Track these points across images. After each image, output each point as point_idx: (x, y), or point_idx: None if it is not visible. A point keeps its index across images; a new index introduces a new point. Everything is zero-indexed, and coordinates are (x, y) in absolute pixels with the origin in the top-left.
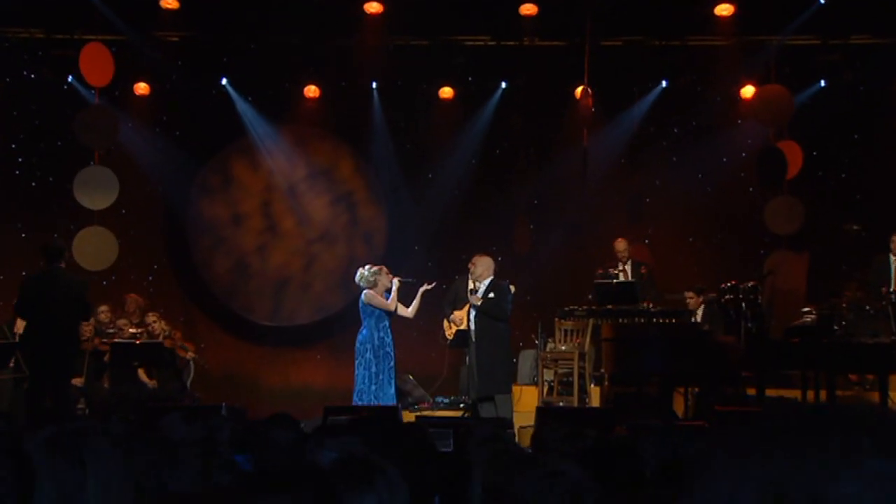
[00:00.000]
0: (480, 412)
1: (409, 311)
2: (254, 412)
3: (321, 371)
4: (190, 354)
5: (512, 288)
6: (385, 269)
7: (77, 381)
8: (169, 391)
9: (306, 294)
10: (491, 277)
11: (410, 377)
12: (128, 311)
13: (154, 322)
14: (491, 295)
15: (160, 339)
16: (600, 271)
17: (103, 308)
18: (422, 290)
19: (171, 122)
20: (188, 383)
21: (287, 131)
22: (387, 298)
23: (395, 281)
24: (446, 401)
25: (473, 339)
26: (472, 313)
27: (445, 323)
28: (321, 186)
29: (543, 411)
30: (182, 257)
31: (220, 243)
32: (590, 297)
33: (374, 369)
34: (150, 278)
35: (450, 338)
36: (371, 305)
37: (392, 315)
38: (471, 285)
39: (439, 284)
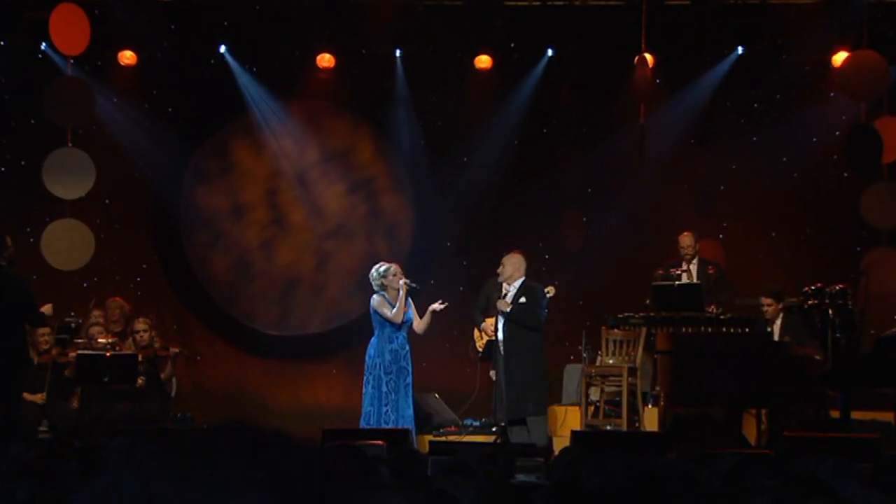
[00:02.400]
0: (511, 437)
1: (418, 326)
2: None
3: (337, 388)
4: (174, 350)
5: (550, 291)
6: (396, 268)
7: (37, 399)
8: (148, 411)
9: (319, 298)
10: (522, 279)
11: (436, 396)
12: (110, 319)
13: (143, 331)
14: (522, 300)
15: (143, 348)
16: (660, 271)
17: (97, 314)
18: (432, 308)
19: (161, 96)
20: (171, 400)
21: (296, 108)
22: (393, 305)
23: (401, 284)
24: (476, 424)
25: (502, 352)
26: (501, 322)
27: (476, 332)
28: (336, 172)
29: (581, 437)
30: (174, 255)
31: (219, 239)
32: (647, 302)
33: (384, 388)
34: (138, 279)
35: (480, 349)
36: (377, 313)
37: (404, 325)
38: (504, 289)
39: (475, 287)
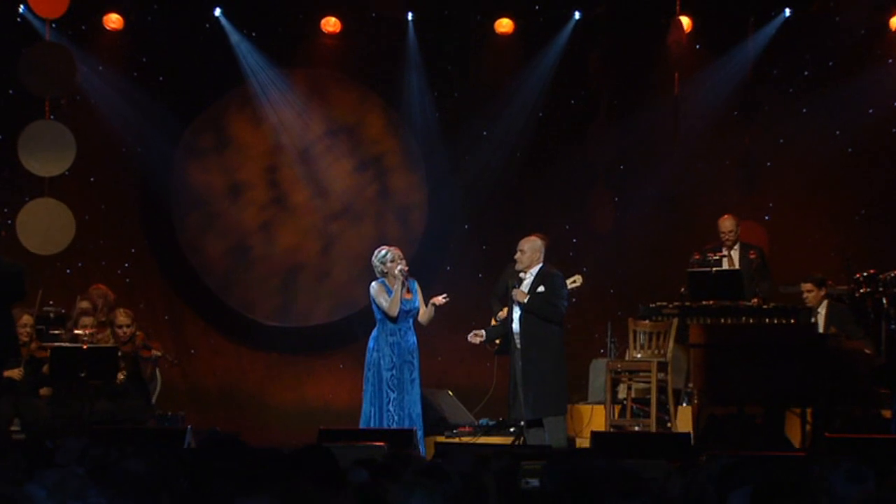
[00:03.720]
0: (528, 439)
1: (422, 317)
2: (257, 437)
3: (344, 385)
4: (155, 352)
5: (576, 281)
6: (396, 252)
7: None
8: (129, 410)
9: (324, 286)
10: (540, 265)
11: (449, 393)
12: (92, 308)
13: (126, 325)
14: (541, 289)
15: (123, 344)
16: (697, 256)
17: (84, 304)
18: (433, 301)
19: (150, 64)
20: (153, 398)
21: (298, 77)
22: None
23: (396, 271)
24: (492, 424)
25: (518, 346)
26: (517, 313)
27: (493, 323)
28: (342, 148)
29: (601, 439)
30: (165, 239)
31: (214, 221)
32: (682, 290)
33: (385, 385)
34: (126, 265)
35: (497, 342)
36: (375, 302)
37: (407, 316)
38: (522, 277)
39: (494, 273)
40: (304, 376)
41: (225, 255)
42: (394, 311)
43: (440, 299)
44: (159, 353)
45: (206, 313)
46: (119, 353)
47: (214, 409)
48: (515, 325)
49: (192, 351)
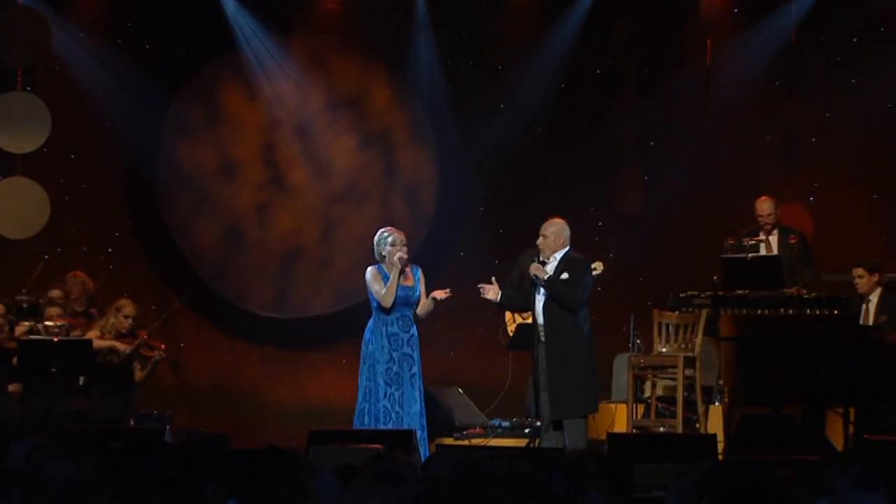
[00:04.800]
0: (545, 441)
1: (420, 309)
2: (251, 439)
3: (347, 381)
4: (158, 353)
5: (597, 267)
6: (399, 237)
7: None
8: (107, 408)
9: (324, 273)
10: (566, 249)
11: (459, 391)
12: (70, 297)
13: (132, 316)
14: (564, 276)
15: (122, 336)
16: (731, 241)
17: (56, 293)
18: (434, 295)
19: (136, 31)
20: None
21: (297, 45)
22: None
23: (396, 258)
24: (506, 424)
25: (542, 339)
26: (540, 301)
27: (508, 314)
28: (345, 123)
29: (618, 441)
30: (152, 222)
31: (205, 202)
32: (715, 278)
33: (380, 380)
34: (109, 251)
35: (511, 334)
36: (369, 289)
37: (412, 303)
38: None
39: (512, 259)
40: (304, 372)
41: (217, 240)
42: (388, 302)
43: (442, 294)
44: (163, 354)
45: (197, 303)
46: (118, 350)
47: (205, 408)
48: (539, 315)
49: (182, 344)
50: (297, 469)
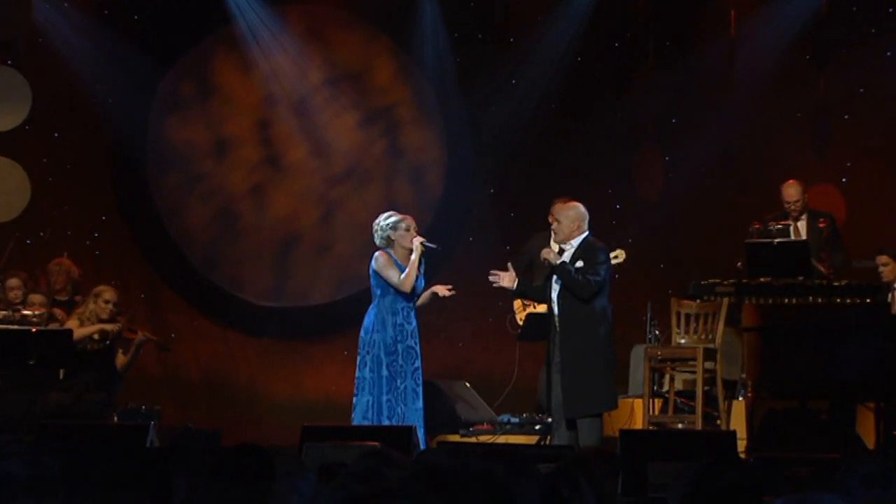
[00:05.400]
0: (557, 438)
1: (418, 301)
2: (246, 435)
3: (348, 374)
4: (143, 334)
5: (619, 256)
6: (410, 221)
7: None
8: (89, 402)
9: (324, 260)
10: (585, 234)
11: (466, 385)
12: (52, 284)
13: (113, 301)
14: (579, 264)
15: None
16: (757, 226)
17: (13, 283)
18: (434, 290)
19: (124, 1)
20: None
21: (294, 15)
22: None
23: (416, 242)
24: (516, 420)
25: (558, 329)
26: (556, 288)
27: (517, 302)
28: (345, 99)
29: (630, 438)
30: (140, 205)
31: (196, 183)
32: (738, 265)
33: (384, 372)
34: (96, 235)
35: (520, 324)
36: (380, 275)
37: (419, 292)
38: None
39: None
40: (302, 365)
41: (210, 223)
42: (409, 286)
43: (444, 290)
44: (145, 336)
45: (188, 291)
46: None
47: (197, 403)
48: (554, 304)
49: (172, 335)
50: (268, 469)
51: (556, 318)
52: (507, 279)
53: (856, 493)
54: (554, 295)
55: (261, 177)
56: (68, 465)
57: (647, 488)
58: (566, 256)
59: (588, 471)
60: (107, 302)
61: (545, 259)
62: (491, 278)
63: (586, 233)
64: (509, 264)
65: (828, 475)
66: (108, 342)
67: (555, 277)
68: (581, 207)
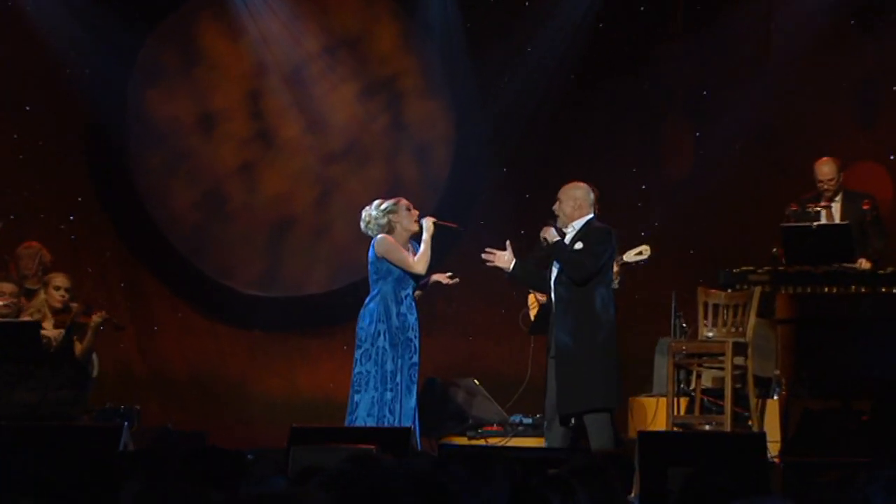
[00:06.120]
0: (550, 439)
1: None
2: (235, 438)
3: (347, 370)
4: (98, 316)
5: (643, 252)
6: (406, 202)
7: None
8: (58, 400)
9: (321, 244)
10: (588, 217)
11: (475, 382)
12: (22, 270)
13: (64, 287)
14: (578, 245)
15: (56, 312)
16: (794, 207)
17: None
18: (436, 278)
19: None
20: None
21: None
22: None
23: (427, 222)
24: (528, 421)
25: (554, 311)
26: (554, 271)
27: (531, 298)
28: (344, 69)
29: (647, 439)
30: (120, 185)
31: (180, 162)
32: (774, 250)
33: (389, 365)
34: (71, 218)
35: (532, 318)
36: (387, 260)
37: (420, 280)
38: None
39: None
40: (298, 360)
41: (195, 205)
42: (423, 266)
43: (446, 278)
44: (101, 318)
45: (173, 280)
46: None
47: (182, 402)
48: (552, 291)
49: (155, 328)
50: (229, 473)
51: (553, 305)
52: (502, 259)
53: (876, 500)
54: (552, 279)
55: (251, 154)
56: (25, 472)
57: (667, 495)
58: (567, 240)
59: (589, 476)
60: (57, 289)
61: (543, 238)
62: (485, 256)
63: (590, 215)
64: (508, 242)
65: (849, 481)
66: (63, 338)
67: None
68: (585, 187)
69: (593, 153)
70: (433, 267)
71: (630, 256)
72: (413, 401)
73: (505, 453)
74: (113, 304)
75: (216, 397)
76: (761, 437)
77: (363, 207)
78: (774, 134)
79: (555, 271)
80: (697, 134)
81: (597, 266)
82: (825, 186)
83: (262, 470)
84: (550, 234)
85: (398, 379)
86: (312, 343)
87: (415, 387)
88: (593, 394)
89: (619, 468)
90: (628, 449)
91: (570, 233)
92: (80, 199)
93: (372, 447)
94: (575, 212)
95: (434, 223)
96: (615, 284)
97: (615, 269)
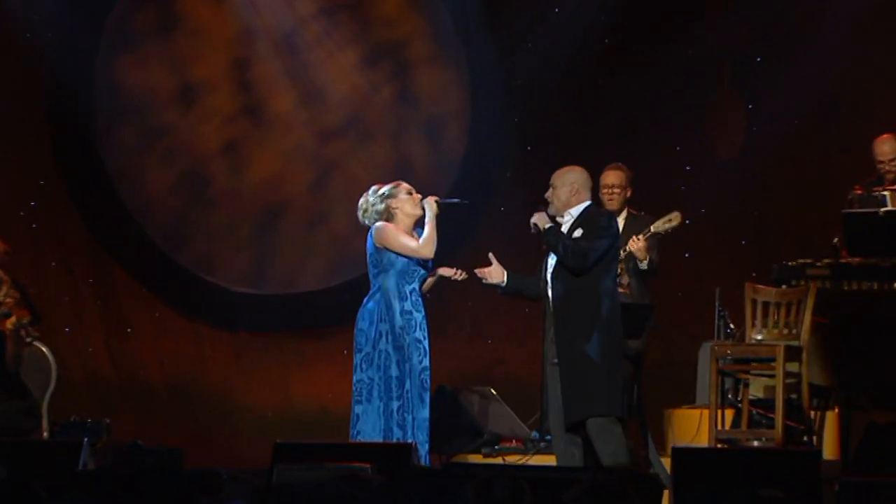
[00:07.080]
0: (559, 457)
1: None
2: (216, 455)
3: (347, 377)
4: (12, 321)
5: (672, 220)
6: (406, 186)
7: None
8: (6, 415)
9: (317, 234)
10: (586, 203)
11: (492, 392)
12: None
13: None
14: (577, 233)
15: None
16: (858, 191)
17: None
18: (442, 272)
19: None
20: (46, 396)
21: None
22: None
23: (431, 202)
24: (550, 438)
25: (551, 310)
26: (551, 264)
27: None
28: (343, 34)
29: (683, 456)
30: (87, 166)
31: (156, 140)
32: (835, 241)
33: (394, 371)
34: (33, 204)
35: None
36: (387, 249)
37: (429, 268)
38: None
39: None
40: (291, 366)
41: (173, 189)
42: (430, 250)
43: (451, 272)
44: (14, 324)
45: (148, 275)
46: None
47: (158, 414)
48: (548, 284)
49: (128, 329)
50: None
51: (550, 302)
52: (493, 274)
53: None
54: (548, 274)
55: (237, 131)
56: None
57: None
58: (564, 228)
59: (604, 499)
60: None
61: (534, 224)
62: (478, 274)
63: (588, 201)
64: (491, 255)
65: None
66: None
67: (552, 254)
68: (582, 172)
69: (629, 130)
70: (443, 257)
71: (659, 226)
72: (426, 411)
73: (513, 473)
74: (80, 302)
75: (197, 408)
76: (814, 454)
77: (364, 190)
78: (836, 107)
79: (551, 264)
80: (749, 107)
81: (599, 253)
82: (886, 167)
83: (232, 492)
84: (543, 220)
85: (407, 386)
86: (308, 346)
87: (427, 395)
88: (594, 400)
89: (642, 489)
90: (642, 466)
91: (567, 220)
92: (42, 181)
93: (367, 466)
94: (572, 197)
95: (437, 202)
96: (643, 265)
97: (642, 243)
